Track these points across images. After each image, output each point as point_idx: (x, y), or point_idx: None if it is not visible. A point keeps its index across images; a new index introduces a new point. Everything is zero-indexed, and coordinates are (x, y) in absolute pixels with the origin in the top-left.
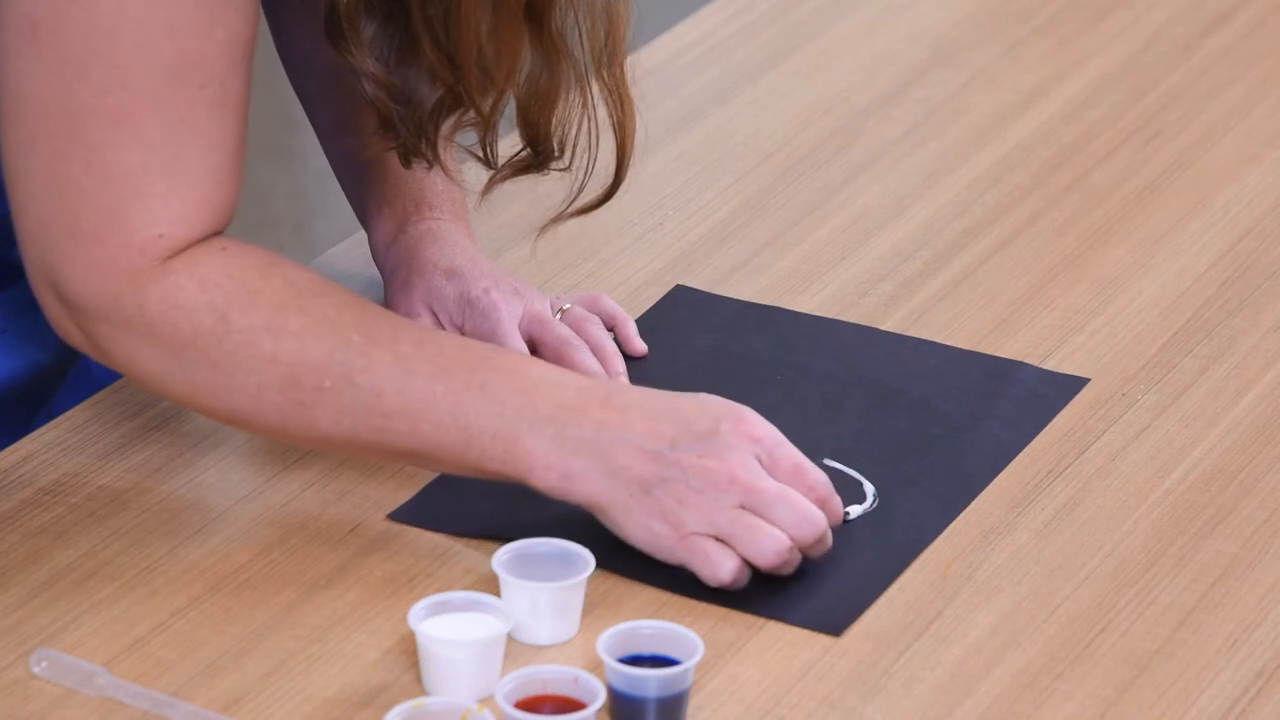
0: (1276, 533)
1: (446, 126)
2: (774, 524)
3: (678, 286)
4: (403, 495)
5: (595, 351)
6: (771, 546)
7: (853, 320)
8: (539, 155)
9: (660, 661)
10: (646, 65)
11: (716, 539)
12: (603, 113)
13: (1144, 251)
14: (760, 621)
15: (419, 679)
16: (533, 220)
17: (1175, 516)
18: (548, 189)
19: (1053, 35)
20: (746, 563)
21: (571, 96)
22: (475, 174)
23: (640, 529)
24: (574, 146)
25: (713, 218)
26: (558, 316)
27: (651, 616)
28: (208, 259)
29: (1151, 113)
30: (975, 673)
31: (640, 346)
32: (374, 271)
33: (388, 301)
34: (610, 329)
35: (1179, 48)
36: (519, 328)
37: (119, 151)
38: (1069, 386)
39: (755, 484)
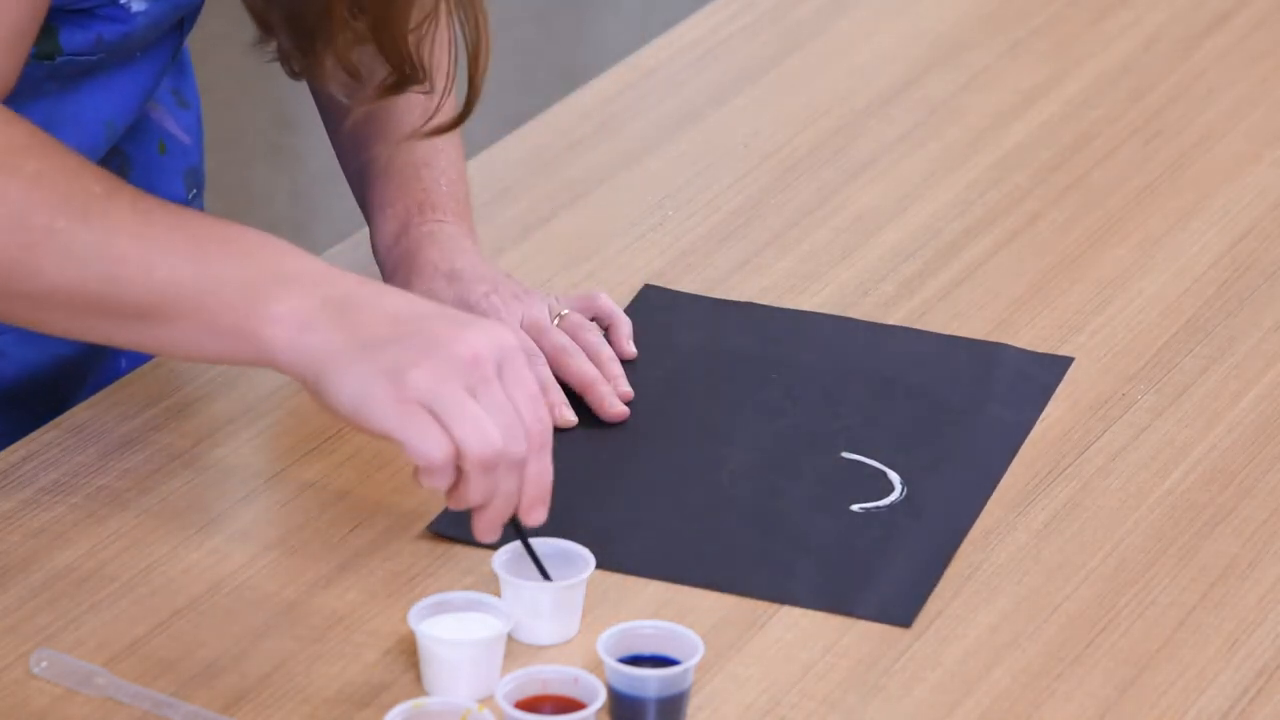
0: (1276, 533)
1: (336, 44)
2: None
3: (646, 287)
4: (405, 497)
5: (592, 358)
6: (487, 437)
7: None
8: (399, 74)
9: (660, 661)
10: (647, 65)
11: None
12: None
13: (1144, 251)
14: (760, 621)
15: (419, 679)
16: (532, 221)
17: (1175, 516)
18: (547, 189)
19: (1053, 35)
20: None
21: (425, 12)
22: (477, 178)
23: (354, 388)
24: (430, 65)
25: (713, 218)
26: (555, 322)
27: (651, 616)
28: None
29: (1151, 113)
30: (975, 673)
31: (630, 350)
32: (373, 274)
33: None
34: (605, 328)
35: (1179, 48)
36: None
37: None
38: (1056, 366)
39: (489, 376)
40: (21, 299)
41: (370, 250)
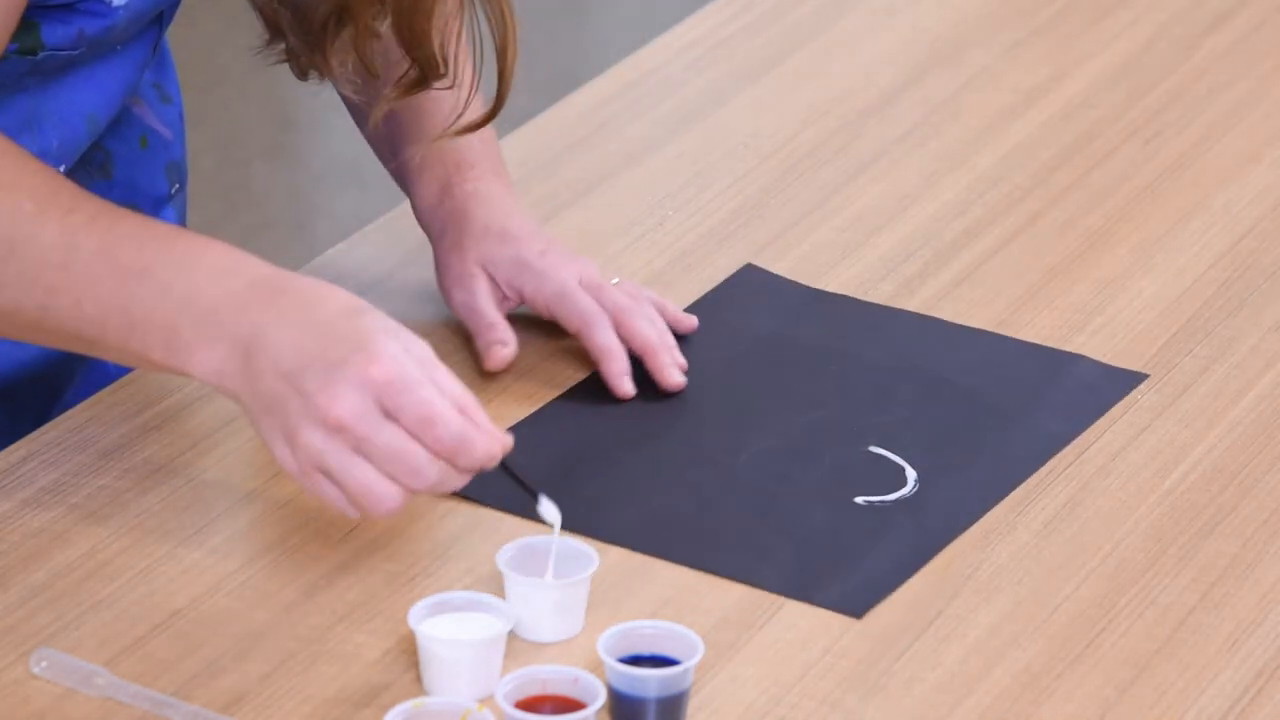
0: (1276, 533)
1: (342, 40)
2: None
3: (747, 266)
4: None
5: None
6: (383, 503)
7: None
8: (422, 70)
9: (660, 661)
10: (646, 65)
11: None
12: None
13: (1144, 251)
14: (760, 621)
15: (419, 679)
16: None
17: (1175, 516)
18: (547, 189)
19: (1053, 35)
20: None
21: (449, 7)
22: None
23: (272, 444)
24: (456, 61)
25: (713, 218)
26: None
27: (651, 616)
28: None
29: (1151, 113)
30: (975, 673)
31: (689, 321)
32: (373, 272)
33: (438, 262)
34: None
35: (1179, 48)
36: None
37: None
38: (1126, 381)
39: (364, 435)
40: None
41: (379, 243)
